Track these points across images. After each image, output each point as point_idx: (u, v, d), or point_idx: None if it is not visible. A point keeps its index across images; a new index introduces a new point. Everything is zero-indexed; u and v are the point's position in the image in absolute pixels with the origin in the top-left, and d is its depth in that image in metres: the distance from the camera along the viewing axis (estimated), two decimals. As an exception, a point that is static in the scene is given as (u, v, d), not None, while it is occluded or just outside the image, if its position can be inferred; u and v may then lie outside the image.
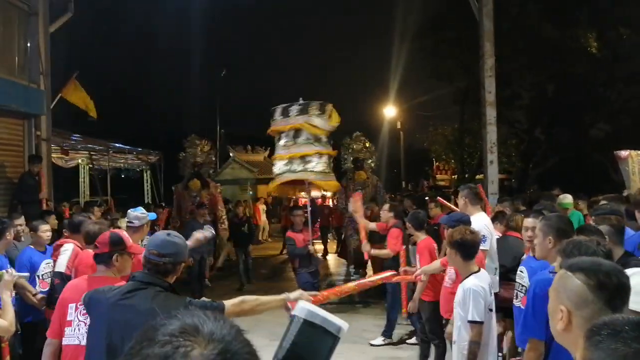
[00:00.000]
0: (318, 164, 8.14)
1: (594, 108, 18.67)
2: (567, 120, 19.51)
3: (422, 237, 5.91)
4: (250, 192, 24.24)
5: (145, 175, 19.30)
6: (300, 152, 8.10)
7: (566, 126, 19.81)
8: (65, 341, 3.17)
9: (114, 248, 3.26)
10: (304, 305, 1.78)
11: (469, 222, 4.61)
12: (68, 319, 3.19)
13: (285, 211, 18.96)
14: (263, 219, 21.37)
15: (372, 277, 5.47)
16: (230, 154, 25.28)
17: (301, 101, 8.21)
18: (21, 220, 5.93)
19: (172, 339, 0.91)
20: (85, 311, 3.04)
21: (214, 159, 13.56)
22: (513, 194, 11.85)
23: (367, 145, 11.97)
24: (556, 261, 2.76)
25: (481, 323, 3.65)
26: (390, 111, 25.42)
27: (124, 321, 2.48)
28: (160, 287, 2.62)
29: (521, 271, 4.03)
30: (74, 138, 13.39)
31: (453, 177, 24.89)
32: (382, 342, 7.10)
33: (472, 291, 3.67)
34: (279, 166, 8.26)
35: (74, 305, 3.19)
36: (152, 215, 5.14)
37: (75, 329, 3.17)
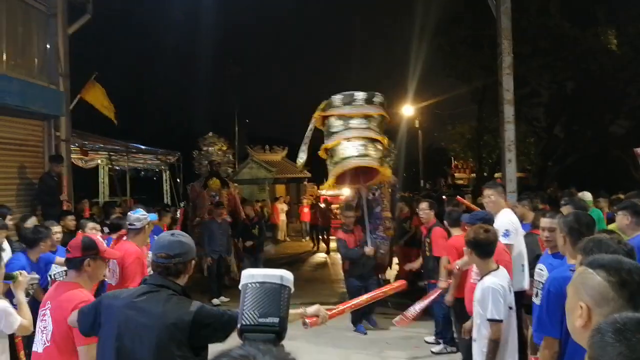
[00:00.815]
0: (378, 152, 7.80)
1: (614, 105, 18.40)
2: (587, 118, 19.27)
3: (456, 234, 6.01)
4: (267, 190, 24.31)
5: (164, 175, 19.43)
6: (367, 135, 7.75)
7: (586, 123, 19.58)
8: (34, 347, 3.12)
9: (85, 253, 3.16)
10: (245, 272, 2.04)
11: (491, 221, 4.57)
12: (37, 324, 3.14)
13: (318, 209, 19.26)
14: (282, 218, 21.46)
15: (383, 289, 5.44)
16: (248, 154, 25.37)
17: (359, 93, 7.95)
18: (58, 228, 6.04)
19: None
20: (43, 316, 3.06)
21: (232, 158, 13.33)
22: (532, 192, 11.71)
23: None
24: (575, 259, 2.71)
25: (501, 321, 3.61)
26: (408, 110, 25.27)
27: (135, 324, 2.46)
28: (173, 290, 2.58)
29: (540, 269, 3.99)
30: (94, 138, 13.51)
31: (471, 175, 24.71)
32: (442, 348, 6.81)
33: (492, 289, 3.63)
34: (342, 150, 7.74)
35: (40, 311, 3.14)
36: (153, 216, 5.19)
37: (37, 334, 3.11)
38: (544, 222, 4.36)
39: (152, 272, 2.79)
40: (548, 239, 4.15)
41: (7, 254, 5.08)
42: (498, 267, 3.82)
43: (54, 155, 9.18)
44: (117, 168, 17.34)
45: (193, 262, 2.74)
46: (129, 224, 5.04)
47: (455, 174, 24.74)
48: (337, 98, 7.95)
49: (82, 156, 14.20)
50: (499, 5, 9.63)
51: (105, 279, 5.05)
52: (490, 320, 3.62)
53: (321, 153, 8.22)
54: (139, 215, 5.02)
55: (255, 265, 10.55)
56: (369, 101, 7.97)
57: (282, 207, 21.67)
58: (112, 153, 15.90)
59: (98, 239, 3.38)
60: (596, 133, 19.28)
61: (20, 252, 5.47)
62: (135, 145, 16.15)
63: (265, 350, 1.08)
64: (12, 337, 4.67)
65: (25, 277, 3.81)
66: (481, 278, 3.78)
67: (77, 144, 12.06)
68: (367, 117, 7.86)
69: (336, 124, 7.88)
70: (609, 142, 18.92)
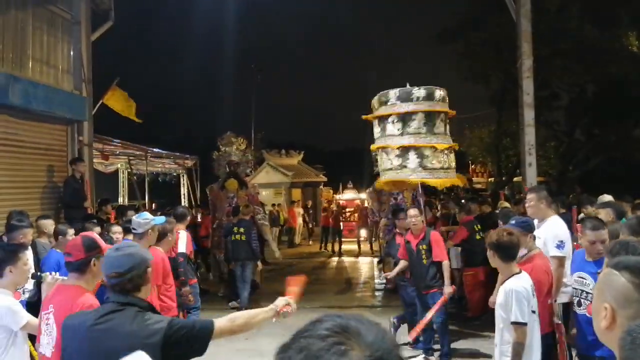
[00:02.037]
0: (435, 159, 7.30)
1: (637, 108, 18.17)
2: (609, 121, 19.04)
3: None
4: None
5: (182, 179, 19.61)
6: (426, 143, 7.29)
7: (609, 127, 19.34)
8: (40, 349, 3.07)
9: (90, 253, 3.06)
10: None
11: (531, 228, 4.47)
12: (41, 327, 3.09)
13: (329, 212, 19.42)
14: (299, 222, 21.55)
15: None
16: (265, 158, 25.47)
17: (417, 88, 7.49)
18: (98, 229, 6.15)
19: (333, 334, 0.95)
20: (47, 320, 2.99)
21: (250, 157, 12.94)
22: (553, 197, 11.61)
23: None
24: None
25: (525, 324, 3.57)
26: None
27: (104, 346, 2.26)
28: (139, 307, 2.39)
29: (582, 277, 3.91)
30: (114, 143, 13.67)
31: (489, 180, 24.54)
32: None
33: (515, 292, 3.60)
34: (396, 159, 7.38)
35: (41, 313, 3.09)
36: (160, 220, 4.99)
37: (42, 338, 3.05)
38: (597, 235, 3.93)
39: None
40: (599, 251, 3.86)
41: (30, 254, 5.17)
42: (520, 271, 3.80)
43: (75, 157, 9.33)
44: (136, 172, 17.53)
45: (149, 270, 2.51)
46: (132, 228, 4.87)
47: (473, 179, 24.59)
48: (392, 93, 7.52)
49: (102, 160, 14.38)
50: (519, 7, 9.60)
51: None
52: (514, 323, 3.58)
53: (374, 147, 7.95)
54: (141, 220, 4.80)
55: (243, 270, 9.52)
56: (429, 97, 7.47)
57: (298, 210, 21.79)
58: (131, 157, 16.08)
59: (96, 236, 3.34)
60: (619, 137, 19.03)
61: (53, 250, 5.60)
62: (153, 149, 16.31)
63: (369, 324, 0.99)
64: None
65: (54, 279, 3.88)
66: (503, 281, 3.77)
67: (97, 149, 12.21)
68: (428, 116, 7.39)
69: (392, 127, 7.47)
70: (633, 146, 18.67)
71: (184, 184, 19.41)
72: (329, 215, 19.26)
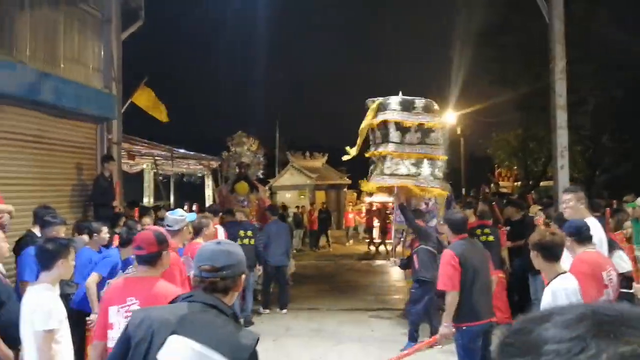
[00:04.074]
0: (428, 169, 7.81)
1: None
2: (637, 126, 18.68)
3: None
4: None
5: (206, 180, 19.69)
6: (420, 153, 7.77)
7: (636, 132, 18.98)
8: (109, 344, 3.02)
9: (161, 246, 3.21)
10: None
11: (588, 231, 4.31)
12: (110, 321, 3.08)
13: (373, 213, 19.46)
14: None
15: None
16: (289, 160, 25.49)
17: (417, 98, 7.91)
18: (106, 229, 6.19)
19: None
20: (126, 314, 2.98)
21: (262, 159, 11.95)
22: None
23: None
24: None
25: None
26: (450, 117, 24.97)
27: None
28: (225, 313, 2.18)
29: None
30: (141, 143, 13.74)
31: (515, 184, 24.21)
32: None
33: (565, 290, 3.50)
34: (393, 165, 7.70)
35: (115, 307, 3.09)
36: (192, 216, 5.01)
37: (118, 332, 2.94)
38: None
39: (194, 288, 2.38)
40: None
41: None
42: (565, 272, 3.70)
43: (105, 155, 9.39)
44: (162, 173, 17.63)
45: (243, 277, 2.33)
46: (167, 225, 4.85)
47: (500, 182, 24.25)
48: (394, 101, 7.82)
49: (128, 160, 14.49)
50: (552, 9, 9.43)
51: None
52: None
53: (369, 154, 8.16)
54: (176, 216, 4.83)
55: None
56: (428, 109, 7.84)
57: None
58: (157, 158, 16.18)
59: (165, 230, 3.46)
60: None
61: (86, 247, 5.64)
62: (179, 150, 16.38)
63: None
64: (82, 331, 4.78)
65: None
66: (549, 282, 3.66)
67: (124, 149, 12.24)
68: (424, 128, 7.79)
69: (393, 134, 7.76)
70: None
71: (208, 185, 19.48)
72: (373, 216, 19.40)
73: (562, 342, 0.58)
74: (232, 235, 8.30)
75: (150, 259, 3.17)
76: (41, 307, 3.46)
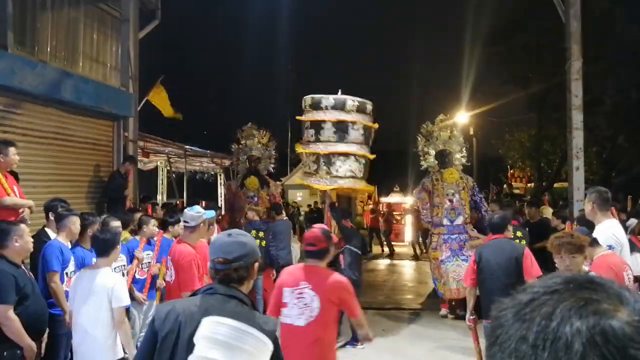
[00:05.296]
0: (352, 165, 7.70)
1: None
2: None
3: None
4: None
5: (219, 178, 19.78)
6: (342, 150, 7.64)
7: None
8: (282, 320, 3.49)
9: (329, 243, 3.63)
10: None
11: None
12: (284, 300, 3.51)
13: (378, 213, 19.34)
14: (334, 223, 21.47)
15: None
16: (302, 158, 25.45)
17: (349, 97, 7.79)
18: (117, 223, 6.24)
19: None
20: (298, 295, 3.46)
21: (273, 152, 11.12)
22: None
23: (455, 134, 9.56)
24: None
25: None
26: (462, 117, 24.90)
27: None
28: (244, 302, 2.28)
29: None
30: (154, 140, 13.81)
31: (528, 185, 24.11)
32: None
33: None
34: (336, 165, 7.69)
35: (289, 289, 3.51)
36: (210, 213, 4.99)
37: (290, 309, 3.48)
38: None
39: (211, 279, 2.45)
40: None
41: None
42: (589, 272, 3.71)
43: (129, 155, 9.51)
44: (175, 170, 17.72)
45: (257, 264, 2.42)
46: (184, 221, 4.90)
47: (512, 183, 24.19)
48: (327, 99, 7.77)
49: (142, 158, 14.59)
50: (568, 8, 9.41)
51: (165, 278, 5.16)
52: None
53: (301, 150, 8.19)
54: (193, 212, 4.82)
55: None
56: (361, 109, 7.79)
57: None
58: (170, 155, 16.27)
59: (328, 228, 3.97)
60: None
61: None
62: (192, 148, 16.45)
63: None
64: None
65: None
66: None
67: (138, 147, 12.30)
68: (357, 126, 7.73)
69: (329, 132, 7.72)
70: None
71: (221, 183, 19.57)
72: (378, 217, 19.18)
73: (537, 286, 0.73)
74: None
75: (320, 254, 3.61)
76: (118, 287, 4.08)
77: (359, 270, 7.37)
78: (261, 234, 8.38)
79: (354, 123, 7.71)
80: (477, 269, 5.24)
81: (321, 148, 7.66)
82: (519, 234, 7.66)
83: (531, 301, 0.72)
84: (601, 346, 0.64)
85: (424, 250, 16.20)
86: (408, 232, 19.14)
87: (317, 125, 7.76)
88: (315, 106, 7.85)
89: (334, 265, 7.57)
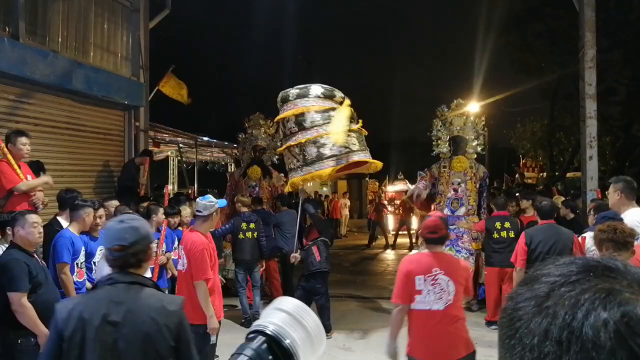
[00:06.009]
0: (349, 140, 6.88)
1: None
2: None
3: None
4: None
5: (229, 168, 19.81)
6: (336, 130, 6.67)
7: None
8: (416, 306, 3.70)
9: (447, 230, 3.92)
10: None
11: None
12: (417, 288, 3.68)
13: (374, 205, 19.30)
14: (345, 213, 21.50)
15: None
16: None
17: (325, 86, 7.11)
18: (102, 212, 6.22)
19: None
20: (433, 282, 3.65)
21: (279, 144, 11.31)
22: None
23: (472, 120, 9.35)
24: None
25: None
26: (474, 107, 24.70)
27: (138, 331, 2.25)
28: (146, 285, 2.35)
29: None
30: (166, 130, 13.82)
31: (540, 174, 23.91)
32: None
33: None
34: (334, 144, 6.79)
35: (421, 277, 3.68)
36: (222, 202, 4.95)
37: (426, 296, 3.68)
38: None
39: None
40: None
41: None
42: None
43: (146, 149, 9.55)
44: (186, 160, 17.75)
45: (152, 245, 2.49)
46: (197, 211, 4.89)
47: (525, 173, 24.00)
48: (310, 90, 7.11)
49: (153, 148, 14.62)
50: (582, -4, 9.26)
51: (177, 267, 5.17)
52: None
53: (281, 149, 7.58)
54: (206, 202, 4.80)
55: (250, 272, 8.16)
56: (327, 96, 7.08)
57: (344, 202, 21.75)
58: (181, 145, 16.30)
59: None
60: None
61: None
62: (202, 138, 16.44)
63: None
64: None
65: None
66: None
67: (149, 137, 12.31)
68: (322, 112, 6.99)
69: (316, 117, 6.96)
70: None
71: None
72: (373, 208, 19.12)
73: (553, 275, 0.72)
74: (234, 227, 8.01)
75: (442, 240, 3.90)
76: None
77: (327, 262, 7.37)
78: (252, 225, 8.09)
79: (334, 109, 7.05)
80: (528, 251, 5.60)
81: (309, 133, 6.97)
82: (507, 224, 7.71)
83: (551, 292, 0.70)
84: (628, 339, 0.62)
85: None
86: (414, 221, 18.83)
87: (301, 115, 7.08)
88: (299, 96, 7.18)
89: (307, 256, 7.29)
